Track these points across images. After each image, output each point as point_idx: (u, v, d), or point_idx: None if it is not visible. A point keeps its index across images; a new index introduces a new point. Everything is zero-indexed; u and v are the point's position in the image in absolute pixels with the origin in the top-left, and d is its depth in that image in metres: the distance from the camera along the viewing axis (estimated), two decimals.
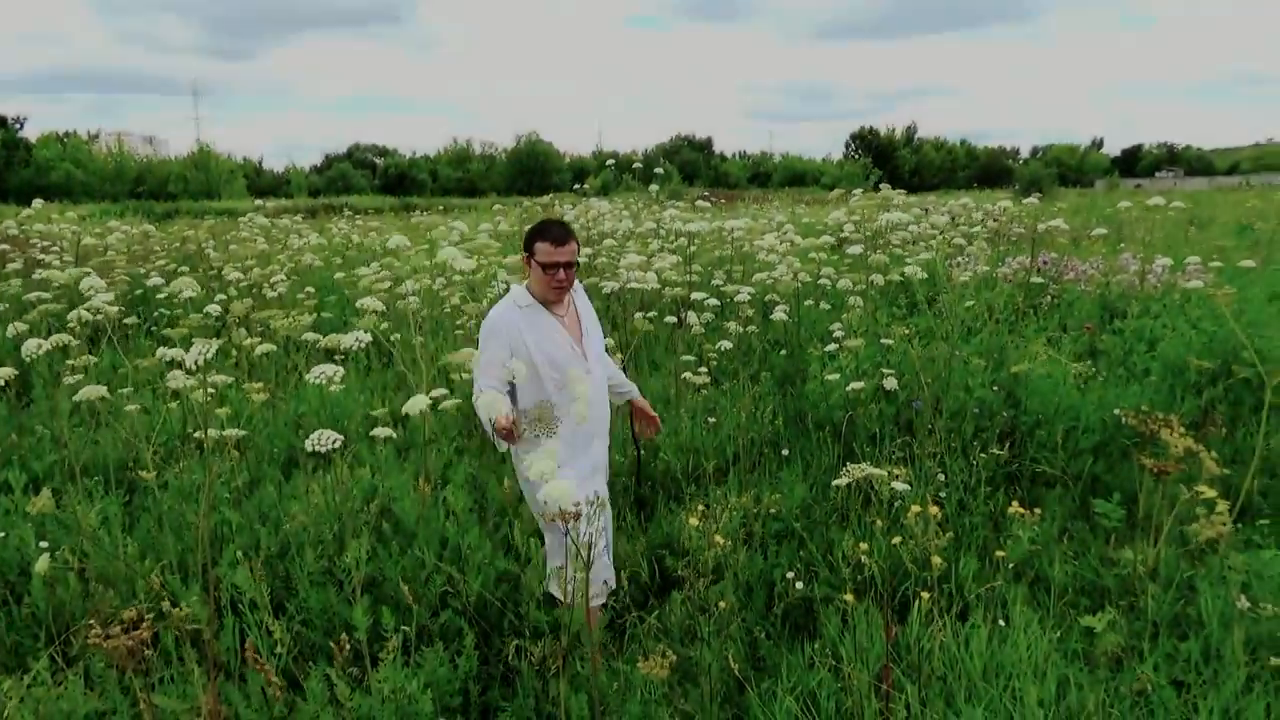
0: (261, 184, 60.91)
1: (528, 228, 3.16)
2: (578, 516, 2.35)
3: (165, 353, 2.81)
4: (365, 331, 2.83)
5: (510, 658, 2.83)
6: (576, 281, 3.33)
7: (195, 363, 2.05)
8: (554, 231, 3.14)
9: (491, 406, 2.78)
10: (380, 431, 2.94)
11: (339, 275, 6.77)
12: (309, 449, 2.58)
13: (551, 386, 3.12)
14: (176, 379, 3.15)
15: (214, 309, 5.45)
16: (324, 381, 2.41)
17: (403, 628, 2.91)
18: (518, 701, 2.70)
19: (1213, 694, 2.20)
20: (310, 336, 3.39)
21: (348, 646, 2.72)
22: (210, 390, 3.67)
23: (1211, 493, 3.10)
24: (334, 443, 2.70)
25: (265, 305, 6.26)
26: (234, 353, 5.32)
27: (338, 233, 11.28)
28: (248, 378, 5.02)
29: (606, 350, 3.55)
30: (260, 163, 68.92)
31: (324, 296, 6.73)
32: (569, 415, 2.95)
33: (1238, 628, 2.40)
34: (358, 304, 3.45)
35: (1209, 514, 2.61)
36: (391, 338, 4.24)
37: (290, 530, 3.52)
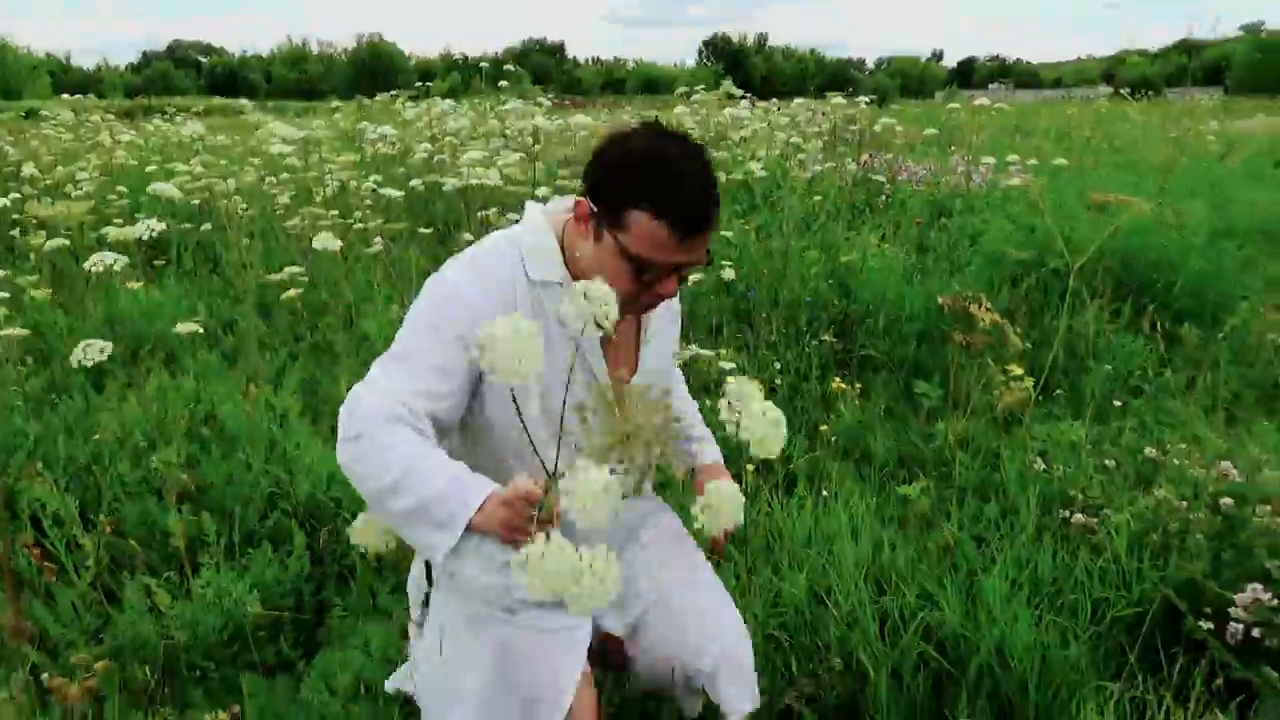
0: (70, 82, 55.35)
1: (609, 154, 1.46)
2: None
3: None
4: (156, 219, 2.59)
5: (343, 555, 2.77)
6: None
7: None
8: (688, 199, 1.40)
9: (413, 469, 1.35)
10: (184, 328, 2.74)
11: (150, 169, 6.24)
12: (74, 363, 2.32)
13: (511, 449, 1.54)
14: None
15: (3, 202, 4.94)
16: (102, 270, 2.19)
17: (227, 533, 2.79)
18: (351, 598, 2.65)
19: (1008, 546, 2.39)
20: (109, 232, 3.08)
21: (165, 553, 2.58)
22: None
23: (1019, 370, 3.33)
24: (102, 353, 2.46)
25: (71, 204, 5.71)
26: (32, 256, 4.86)
27: (155, 131, 10.39)
28: (48, 284, 4.60)
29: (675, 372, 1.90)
30: (68, 59, 62.58)
31: (137, 197, 6.20)
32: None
33: (1032, 487, 2.61)
34: (149, 189, 3.17)
35: (1011, 381, 2.80)
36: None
37: (101, 441, 3.28)
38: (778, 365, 3.81)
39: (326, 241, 3.15)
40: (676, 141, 1.45)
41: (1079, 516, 2.47)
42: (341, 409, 1.43)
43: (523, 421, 1.25)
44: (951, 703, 2.04)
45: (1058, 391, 3.64)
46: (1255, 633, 2.01)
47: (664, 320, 1.69)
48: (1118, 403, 3.50)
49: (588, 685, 1.57)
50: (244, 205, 5.54)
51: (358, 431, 1.39)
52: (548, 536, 1.00)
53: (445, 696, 1.60)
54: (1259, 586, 2.05)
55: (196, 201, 5.42)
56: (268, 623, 2.54)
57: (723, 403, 1.17)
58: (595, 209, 1.44)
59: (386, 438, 1.38)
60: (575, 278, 1.50)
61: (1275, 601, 2.02)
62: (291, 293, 3.89)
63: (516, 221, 1.66)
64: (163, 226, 2.62)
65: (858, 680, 2.11)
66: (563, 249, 1.54)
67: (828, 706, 2.08)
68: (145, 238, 2.62)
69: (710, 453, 1.85)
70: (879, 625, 2.19)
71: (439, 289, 1.51)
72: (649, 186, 1.39)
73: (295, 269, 4.15)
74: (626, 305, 1.45)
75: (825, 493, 2.75)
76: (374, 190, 5.48)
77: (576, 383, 1.53)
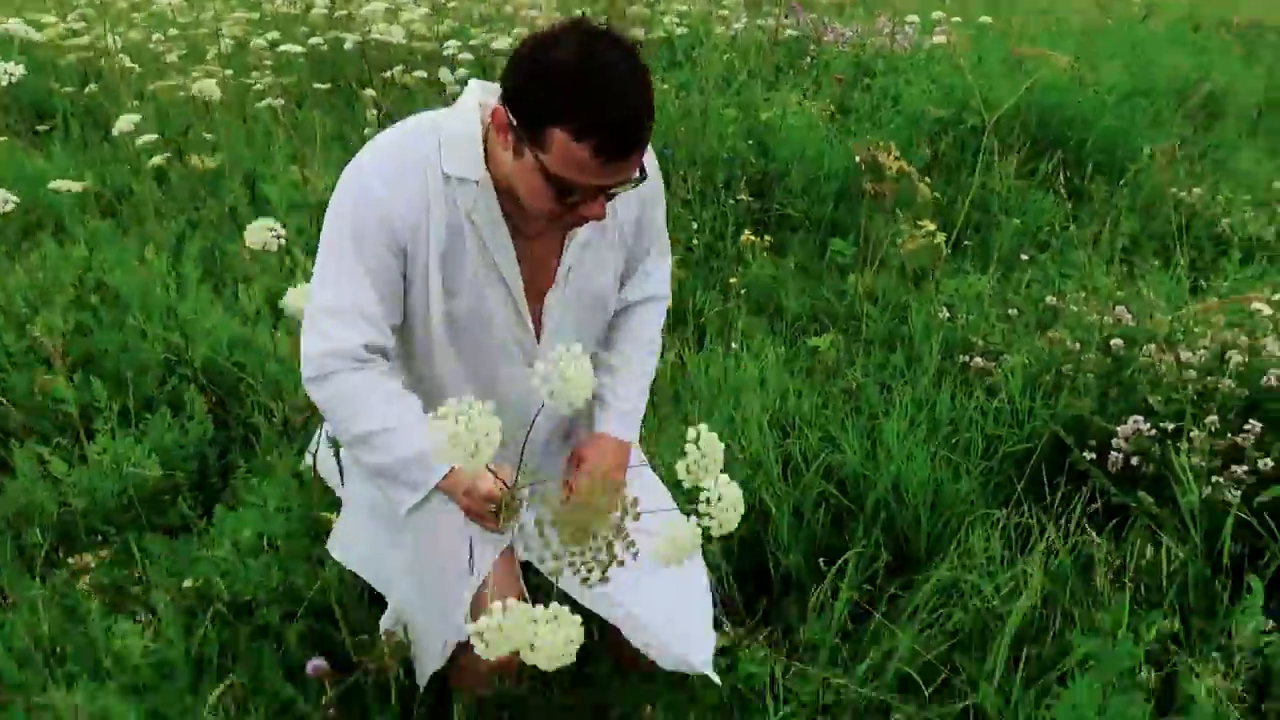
0: None
1: (529, 62, 1.25)
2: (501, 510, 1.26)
3: None
4: (15, 63, 2.37)
5: (248, 418, 2.71)
6: None
7: None
8: (615, 119, 1.21)
9: (397, 430, 1.36)
10: (62, 184, 2.56)
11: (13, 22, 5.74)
12: None
13: (418, 345, 1.47)
14: None
15: None
16: None
17: (122, 400, 2.69)
18: (256, 461, 2.60)
19: (909, 390, 2.44)
20: None
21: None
22: None
23: (931, 225, 3.34)
24: (4, 204, 2.31)
25: None
26: None
27: None
28: None
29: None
30: None
31: (7, 56, 5.72)
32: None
33: (935, 335, 2.65)
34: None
35: (918, 231, 2.81)
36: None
37: None
38: (694, 224, 3.76)
39: (208, 89, 2.93)
40: (605, 45, 1.23)
41: (978, 360, 2.53)
42: (303, 338, 1.40)
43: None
44: (851, 535, 2.11)
45: (966, 244, 3.68)
46: (1134, 461, 2.11)
47: (599, 228, 1.44)
48: (1025, 256, 3.56)
49: (511, 573, 1.54)
50: (131, 64, 5.16)
51: (326, 370, 1.38)
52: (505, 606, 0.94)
53: (381, 582, 1.65)
54: (1140, 419, 2.14)
55: (73, 58, 5.02)
56: (169, 487, 2.49)
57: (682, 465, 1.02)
58: (514, 121, 1.26)
59: (358, 381, 1.37)
60: (495, 180, 1.36)
61: (1154, 432, 2.12)
62: (156, 158, 3.63)
63: (424, 79, 1.54)
64: (20, 70, 2.40)
65: (760, 519, 2.16)
66: (487, 145, 1.37)
67: (730, 545, 2.13)
68: (4, 84, 2.40)
69: (605, 421, 1.59)
70: (782, 467, 2.23)
71: (354, 176, 1.40)
72: (571, 103, 1.20)
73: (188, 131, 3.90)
74: (550, 224, 1.38)
75: (735, 346, 2.76)
76: (271, 47, 5.14)
77: (487, 294, 1.42)
